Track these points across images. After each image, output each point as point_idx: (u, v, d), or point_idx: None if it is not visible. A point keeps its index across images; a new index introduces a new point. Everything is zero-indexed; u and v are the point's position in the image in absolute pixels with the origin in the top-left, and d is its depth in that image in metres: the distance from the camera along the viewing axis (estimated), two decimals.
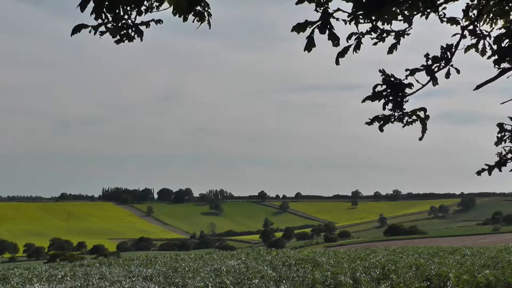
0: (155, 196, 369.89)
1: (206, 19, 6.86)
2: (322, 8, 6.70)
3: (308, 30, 6.76)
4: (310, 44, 6.82)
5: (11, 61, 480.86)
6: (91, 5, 6.42)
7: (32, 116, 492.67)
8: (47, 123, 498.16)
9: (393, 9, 6.90)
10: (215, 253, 38.92)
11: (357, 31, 7.03)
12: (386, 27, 7.16)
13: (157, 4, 6.71)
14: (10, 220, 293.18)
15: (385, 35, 7.23)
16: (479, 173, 8.92)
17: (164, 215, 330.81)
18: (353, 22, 6.85)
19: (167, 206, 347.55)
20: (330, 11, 6.74)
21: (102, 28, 6.66)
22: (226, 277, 20.99)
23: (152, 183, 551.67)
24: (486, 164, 8.94)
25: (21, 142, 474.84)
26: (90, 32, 6.64)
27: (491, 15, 7.84)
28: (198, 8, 6.79)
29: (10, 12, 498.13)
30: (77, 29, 6.65)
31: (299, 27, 6.75)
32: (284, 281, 19.66)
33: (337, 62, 7.11)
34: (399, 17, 7.05)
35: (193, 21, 6.83)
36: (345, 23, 6.86)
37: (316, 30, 6.76)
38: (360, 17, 6.83)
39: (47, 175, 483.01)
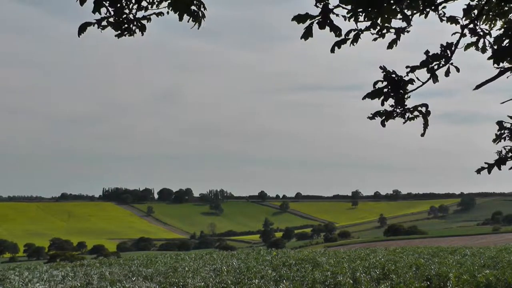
0: (155, 196, 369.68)
1: (200, 19, 6.87)
2: (322, 4, 6.73)
3: (308, 22, 6.83)
4: (307, 34, 6.90)
5: (11, 61, 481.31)
6: (90, 0, 6.46)
7: (32, 116, 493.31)
8: (47, 123, 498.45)
9: (393, 7, 6.90)
10: (215, 253, 38.96)
11: (356, 28, 7.05)
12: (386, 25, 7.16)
13: (157, 1, 6.74)
14: (10, 220, 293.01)
15: (385, 31, 7.23)
16: (478, 171, 8.92)
17: (164, 215, 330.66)
18: (353, 18, 6.87)
19: (167, 206, 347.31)
20: (330, 6, 6.79)
21: (104, 23, 6.70)
22: (227, 277, 20.99)
23: (152, 183, 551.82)
24: (485, 163, 8.93)
25: (21, 142, 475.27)
26: (93, 25, 6.67)
27: (490, 15, 7.83)
28: (193, 7, 6.81)
29: (10, 12, 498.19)
30: (83, 28, 6.68)
31: (299, 18, 6.82)
32: (284, 281, 19.65)
33: (332, 50, 7.13)
34: (399, 16, 7.05)
35: (188, 21, 6.84)
36: (345, 19, 6.89)
37: (315, 26, 6.80)
38: (360, 14, 6.85)
39: (47, 175, 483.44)
